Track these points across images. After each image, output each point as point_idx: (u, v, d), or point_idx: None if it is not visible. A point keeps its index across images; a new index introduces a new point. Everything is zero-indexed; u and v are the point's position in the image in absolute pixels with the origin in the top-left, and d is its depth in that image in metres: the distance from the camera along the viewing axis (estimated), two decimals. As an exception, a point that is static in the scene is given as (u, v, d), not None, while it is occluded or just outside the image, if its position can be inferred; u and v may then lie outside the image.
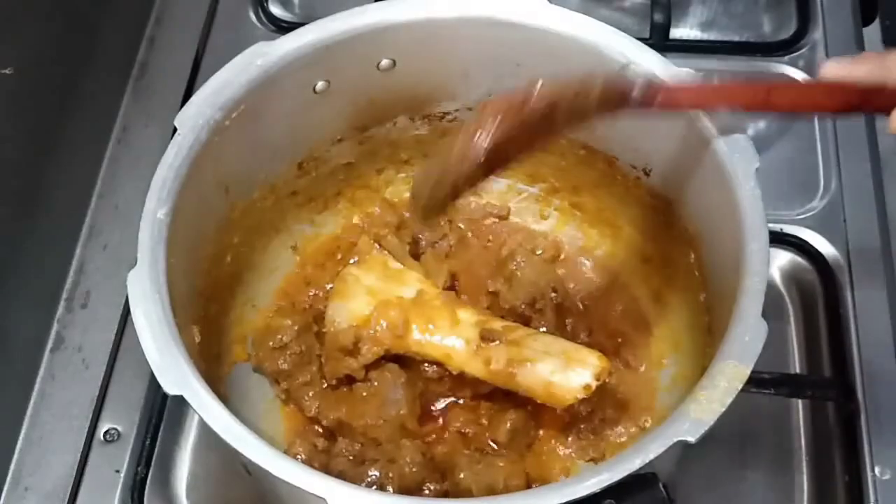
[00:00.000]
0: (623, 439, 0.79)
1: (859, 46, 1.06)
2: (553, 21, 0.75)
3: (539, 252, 0.87)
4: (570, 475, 0.77)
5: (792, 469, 0.83)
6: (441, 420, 0.80)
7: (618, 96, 0.66)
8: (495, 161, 0.67)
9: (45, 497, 0.81)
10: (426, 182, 0.69)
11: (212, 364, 0.75)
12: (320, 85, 0.77)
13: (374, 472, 0.73)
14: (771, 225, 0.67)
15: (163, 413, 0.85)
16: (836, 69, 0.66)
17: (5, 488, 0.81)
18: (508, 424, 0.77)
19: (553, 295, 0.84)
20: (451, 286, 0.84)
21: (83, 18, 0.98)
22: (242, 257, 0.81)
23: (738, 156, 0.68)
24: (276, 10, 1.11)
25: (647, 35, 1.03)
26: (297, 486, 0.57)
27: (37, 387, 0.86)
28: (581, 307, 0.85)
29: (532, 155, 0.72)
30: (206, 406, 0.60)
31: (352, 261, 0.85)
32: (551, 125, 0.67)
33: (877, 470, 0.80)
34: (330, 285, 0.84)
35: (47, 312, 0.89)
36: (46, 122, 0.91)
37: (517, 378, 0.73)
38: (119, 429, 0.84)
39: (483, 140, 0.65)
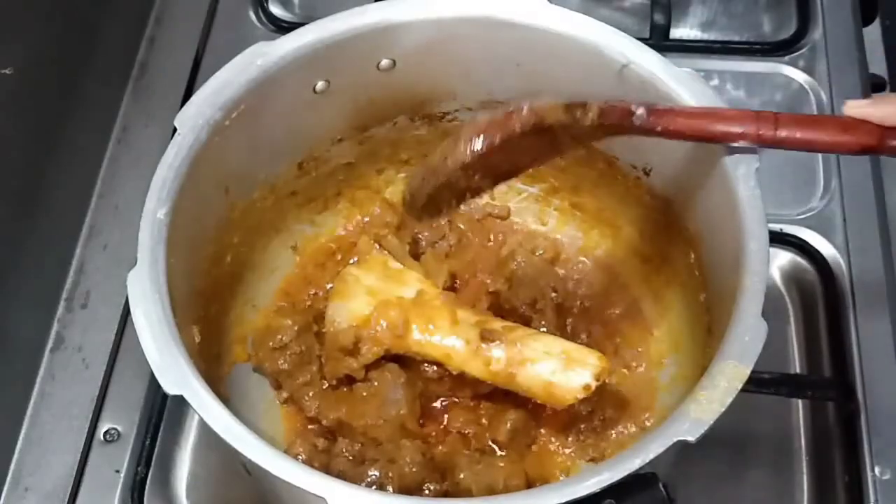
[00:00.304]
0: (623, 439, 0.78)
1: (859, 46, 1.06)
2: (553, 21, 0.75)
3: (539, 252, 0.87)
4: (570, 475, 0.77)
5: (792, 469, 0.83)
6: (441, 420, 0.80)
7: (617, 120, 0.67)
8: (499, 172, 0.69)
9: (45, 497, 0.81)
10: (414, 183, 0.70)
11: (212, 364, 0.75)
12: (320, 85, 0.77)
13: (374, 472, 0.73)
14: (771, 225, 0.67)
15: (163, 413, 0.85)
16: (856, 108, 0.64)
17: (5, 488, 0.81)
18: (508, 424, 0.77)
19: (553, 295, 0.84)
20: (451, 286, 0.84)
21: (83, 18, 0.98)
22: (242, 257, 0.81)
23: (738, 155, 0.68)
24: (276, 10, 1.12)
25: (647, 35, 1.03)
26: (297, 485, 0.57)
27: (37, 387, 0.86)
28: (581, 307, 0.85)
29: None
30: (206, 406, 0.60)
31: (352, 261, 0.85)
32: (554, 143, 0.68)
33: (877, 470, 0.80)
34: (330, 285, 0.84)
35: (47, 312, 0.89)
36: (46, 122, 0.91)
37: (517, 378, 0.73)
38: (119, 429, 0.84)
39: (465, 148, 0.66)
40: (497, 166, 0.69)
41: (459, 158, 0.67)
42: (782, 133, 0.65)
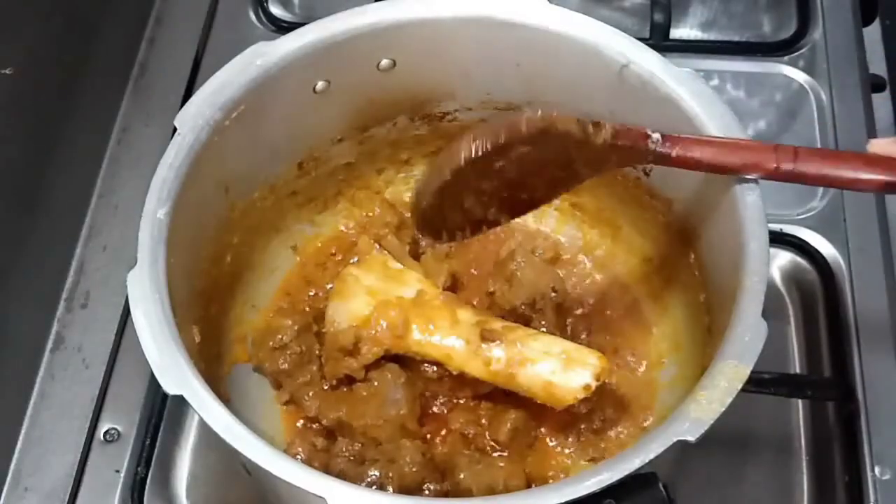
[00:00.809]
0: (623, 439, 0.78)
1: (859, 46, 1.06)
2: (553, 21, 0.75)
3: (539, 252, 0.87)
4: (570, 475, 0.77)
5: (792, 469, 0.83)
6: (441, 420, 0.80)
7: (631, 142, 0.66)
8: (514, 202, 0.70)
9: (45, 497, 0.81)
10: (420, 186, 0.70)
11: (212, 364, 0.75)
12: (320, 85, 0.77)
13: (374, 472, 0.73)
14: (771, 225, 0.67)
15: (163, 413, 0.85)
16: (880, 146, 0.63)
17: (5, 488, 0.81)
18: (509, 424, 0.77)
19: (553, 295, 0.84)
20: (451, 286, 0.84)
21: (83, 18, 0.98)
22: (242, 257, 0.81)
23: (738, 156, 0.68)
24: (276, 10, 1.12)
25: (647, 35, 1.03)
26: (296, 485, 0.57)
27: (37, 387, 0.86)
28: (581, 307, 0.85)
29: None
30: (206, 406, 0.60)
31: (352, 261, 0.85)
32: (568, 169, 0.68)
33: (877, 470, 0.80)
34: (330, 285, 0.84)
35: (47, 312, 0.89)
36: (46, 122, 0.91)
37: (517, 378, 0.73)
38: (119, 429, 0.84)
39: (469, 146, 0.66)
40: (511, 193, 0.69)
41: (464, 155, 0.66)
42: (801, 168, 0.64)
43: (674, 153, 0.66)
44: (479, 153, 0.66)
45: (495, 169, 0.72)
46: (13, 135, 0.87)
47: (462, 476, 0.74)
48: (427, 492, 0.73)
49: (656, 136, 0.67)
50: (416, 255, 0.85)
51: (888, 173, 0.63)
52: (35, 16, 0.90)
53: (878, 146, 0.64)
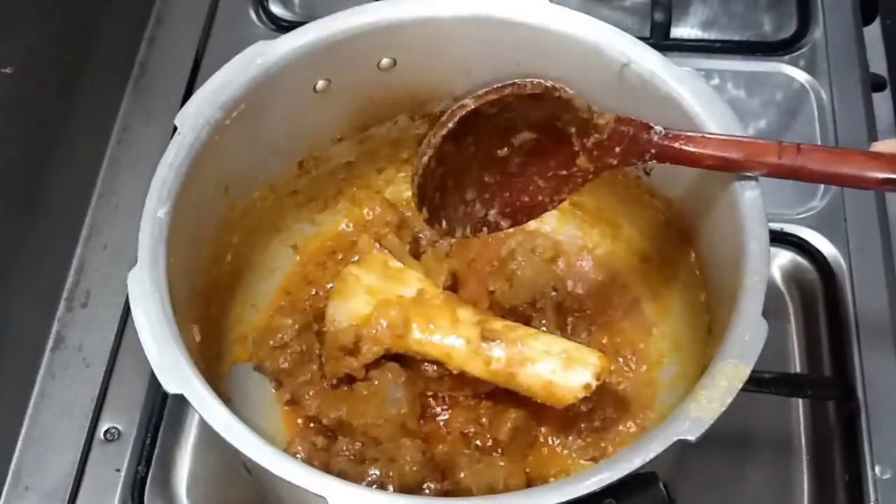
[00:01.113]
0: (623, 438, 0.78)
1: (860, 46, 1.06)
2: (553, 20, 0.75)
3: (539, 252, 0.87)
4: (570, 475, 0.77)
5: (792, 469, 0.83)
6: (441, 419, 0.80)
7: (635, 129, 0.67)
8: (515, 207, 0.72)
9: (45, 497, 0.81)
10: (421, 151, 0.72)
11: (212, 363, 0.75)
12: (320, 84, 0.77)
13: (374, 472, 0.73)
14: (771, 224, 0.67)
15: (163, 412, 0.85)
16: (883, 146, 0.64)
17: (5, 488, 0.81)
18: (509, 424, 0.77)
19: (553, 294, 0.84)
20: (452, 285, 0.84)
21: (83, 18, 0.98)
22: (242, 257, 0.81)
23: (738, 155, 0.68)
24: (276, 9, 1.12)
25: (647, 34, 1.03)
26: (297, 484, 0.57)
27: (37, 386, 0.86)
28: (581, 306, 0.85)
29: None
30: (206, 405, 0.60)
31: (352, 260, 0.85)
32: (571, 167, 0.70)
33: (877, 469, 0.80)
34: (330, 284, 0.84)
35: (47, 312, 0.89)
36: (46, 122, 0.91)
37: (518, 377, 0.73)
38: (119, 428, 0.84)
39: (472, 101, 0.69)
40: (512, 195, 0.69)
41: (471, 105, 0.68)
42: (804, 163, 0.65)
43: (676, 146, 0.67)
44: (485, 101, 0.67)
45: (498, 158, 0.72)
46: (13, 135, 0.87)
47: (462, 475, 0.74)
48: (427, 491, 0.73)
49: (659, 128, 0.67)
50: (416, 254, 0.85)
51: (891, 170, 0.63)
52: (35, 16, 0.90)
53: (882, 146, 0.65)
